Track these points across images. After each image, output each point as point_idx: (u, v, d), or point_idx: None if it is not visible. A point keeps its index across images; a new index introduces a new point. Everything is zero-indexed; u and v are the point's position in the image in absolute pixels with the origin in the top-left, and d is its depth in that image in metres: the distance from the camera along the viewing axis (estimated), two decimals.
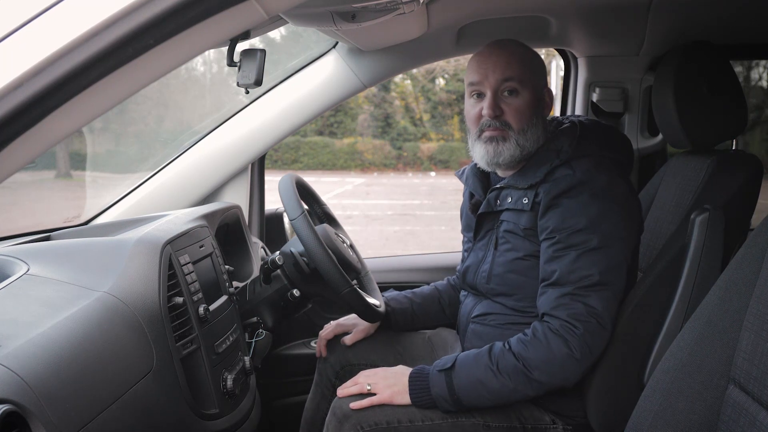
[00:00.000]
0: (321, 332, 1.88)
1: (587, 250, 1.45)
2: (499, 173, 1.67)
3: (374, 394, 1.49)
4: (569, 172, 1.51)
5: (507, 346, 1.47)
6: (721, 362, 1.08)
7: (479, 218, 1.67)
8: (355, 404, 1.48)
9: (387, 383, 1.50)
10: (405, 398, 1.48)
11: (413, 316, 1.85)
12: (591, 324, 1.43)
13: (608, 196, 1.49)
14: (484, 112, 1.57)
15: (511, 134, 1.56)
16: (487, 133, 1.57)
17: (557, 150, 1.55)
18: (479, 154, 1.60)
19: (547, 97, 1.62)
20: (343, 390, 1.54)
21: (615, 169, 1.54)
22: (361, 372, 1.57)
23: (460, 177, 1.83)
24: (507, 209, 1.58)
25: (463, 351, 1.71)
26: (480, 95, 1.59)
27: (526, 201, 1.54)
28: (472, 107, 1.61)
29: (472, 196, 1.76)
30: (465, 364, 1.47)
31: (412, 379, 1.49)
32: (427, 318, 1.87)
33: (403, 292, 1.89)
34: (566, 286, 1.45)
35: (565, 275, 1.45)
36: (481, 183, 1.72)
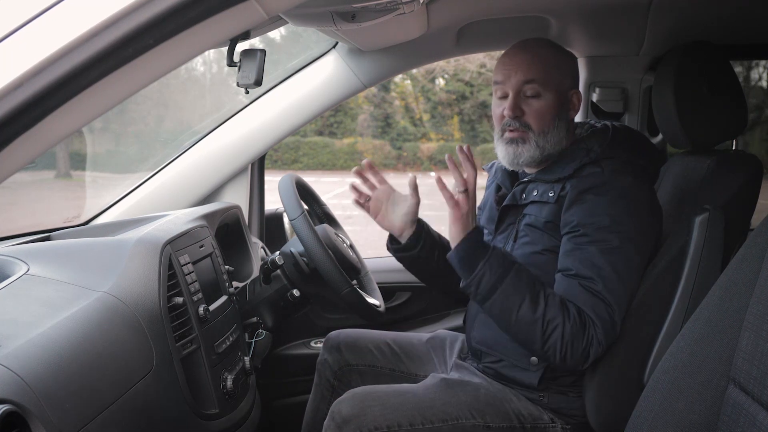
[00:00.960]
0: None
1: (608, 248, 1.46)
2: (527, 170, 1.68)
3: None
4: (598, 170, 1.52)
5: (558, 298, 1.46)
6: (721, 362, 1.08)
7: (503, 210, 1.68)
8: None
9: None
10: (458, 232, 1.49)
11: (441, 252, 1.73)
12: (607, 322, 1.44)
13: (633, 198, 1.50)
14: (505, 112, 1.59)
15: (531, 135, 1.58)
16: (507, 135, 1.60)
17: (587, 149, 1.57)
18: (501, 154, 1.63)
19: (574, 98, 1.63)
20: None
21: (641, 174, 1.56)
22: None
23: (488, 170, 1.84)
24: (532, 202, 1.60)
25: (467, 343, 1.72)
26: (504, 95, 1.61)
27: (552, 194, 1.55)
28: (497, 106, 1.63)
29: (499, 188, 1.77)
30: (525, 273, 1.47)
31: (471, 235, 1.49)
32: (447, 268, 1.67)
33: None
34: (589, 283, 1.45)
35: (584, 270, 1.46)
36: (510, 176, 1.73)
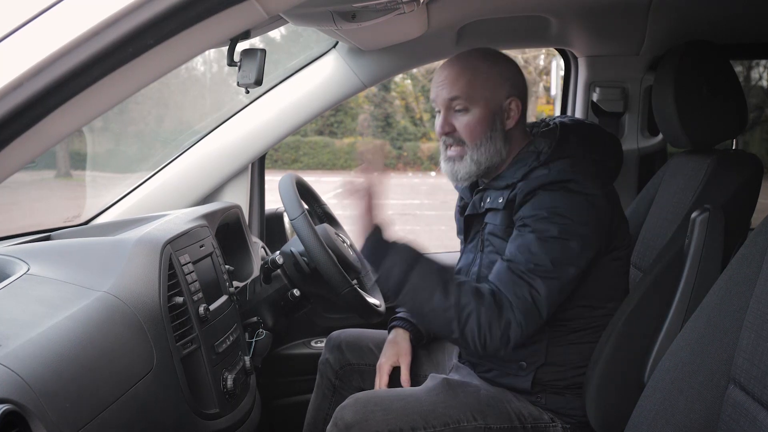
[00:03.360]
0: (379, 380, 1.74)
1: (546, 237, 1.45)
2: (484, 179, 1.67)
3: None
4: (545, 172, 1.52)
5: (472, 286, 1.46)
6: (722, 362, 1.08)
7: (467, 220, 1.69)
8: None
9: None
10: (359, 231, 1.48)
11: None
12: (527, 303, 1.42)
13: (580, 194, 1.48)
14: (437, 129, 1.60)
15: (467, 150, 1.58)
16: (446, 152, 1.61)
17: (537, 152, 1.56)
18: (443, 169, 1.64)
19: (512, 106, 1.58)
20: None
21: (593, 170, 1.54)
22: None
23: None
24: (488, 210, 1.60)
25: (459, 355, 1.72)
26: (439, 111, 1.61)
27: (501, 200, 1.55)
28: (436, 122, 1.63)
29: (462, 199, 1.77)
30: (433, 263, 1.46)
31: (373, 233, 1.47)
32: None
33: None
34: (518, 266, 1.45)
35: (518, 255, 1.45)
36: (470, 187, 1.73)
